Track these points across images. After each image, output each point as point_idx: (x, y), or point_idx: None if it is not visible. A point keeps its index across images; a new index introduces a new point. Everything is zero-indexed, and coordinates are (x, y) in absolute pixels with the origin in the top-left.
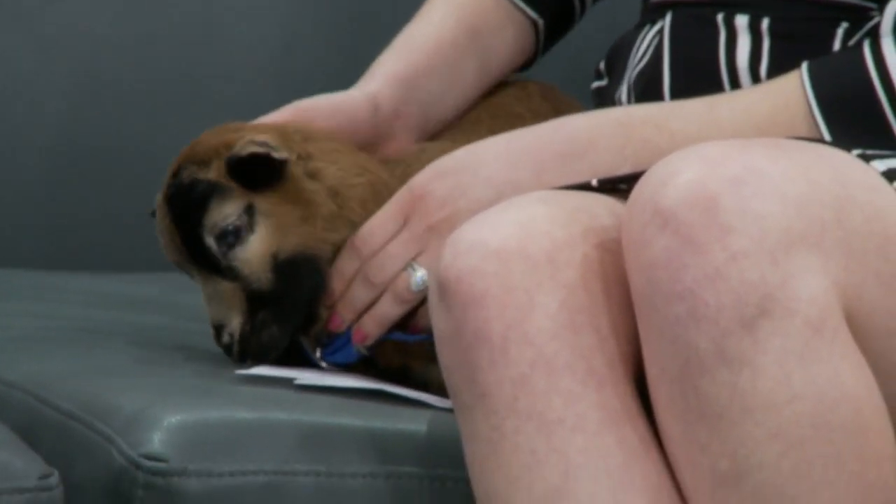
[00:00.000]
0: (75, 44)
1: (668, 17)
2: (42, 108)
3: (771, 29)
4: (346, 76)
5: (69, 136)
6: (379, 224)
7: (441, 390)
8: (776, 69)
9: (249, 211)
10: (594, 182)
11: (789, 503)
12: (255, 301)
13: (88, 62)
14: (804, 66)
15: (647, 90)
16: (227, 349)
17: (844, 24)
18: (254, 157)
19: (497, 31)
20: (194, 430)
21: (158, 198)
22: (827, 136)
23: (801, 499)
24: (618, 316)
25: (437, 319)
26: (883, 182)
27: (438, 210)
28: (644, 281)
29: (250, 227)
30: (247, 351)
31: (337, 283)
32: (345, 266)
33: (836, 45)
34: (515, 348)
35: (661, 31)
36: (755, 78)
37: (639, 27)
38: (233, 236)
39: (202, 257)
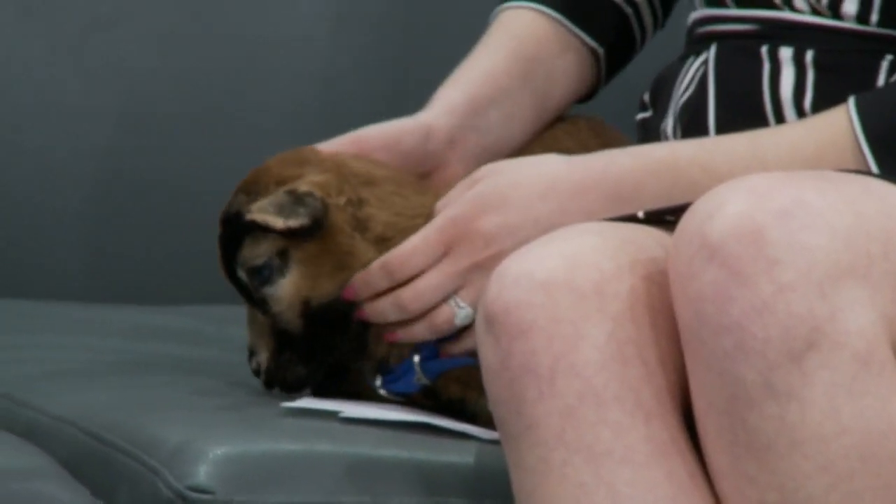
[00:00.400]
0: (119, 76)
1: (713, 49)
2: (86, 139)
3: (815, 61)
4: (387, 107)
5: (113, 169)
6: (418, 250)
7: (489, 423)
8: (820, 102)
9: (283, 255)
10: (641, 214)
11: None
12: (283, 339)
13: (132, 94)
14: (851, 100)
15: (692, 122)
16: (256, 374)
17: (889, 57)
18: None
19: (555, 60)
20: (240, 462)
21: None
22: (874, 170)
23: None
24: (665, 348)
25: (485, 351)
26: None
27: (485, 248)
28: (691, 314)
29: (281, 270)
30: (271, 383)
31: (362, 291)
32: (374, 282)
33: (881, 78)
34: (563, 380)
35: (705, 63)
36: (799, 110)
37: (683, 59)
38: (266, 273)
39: (240, 285)
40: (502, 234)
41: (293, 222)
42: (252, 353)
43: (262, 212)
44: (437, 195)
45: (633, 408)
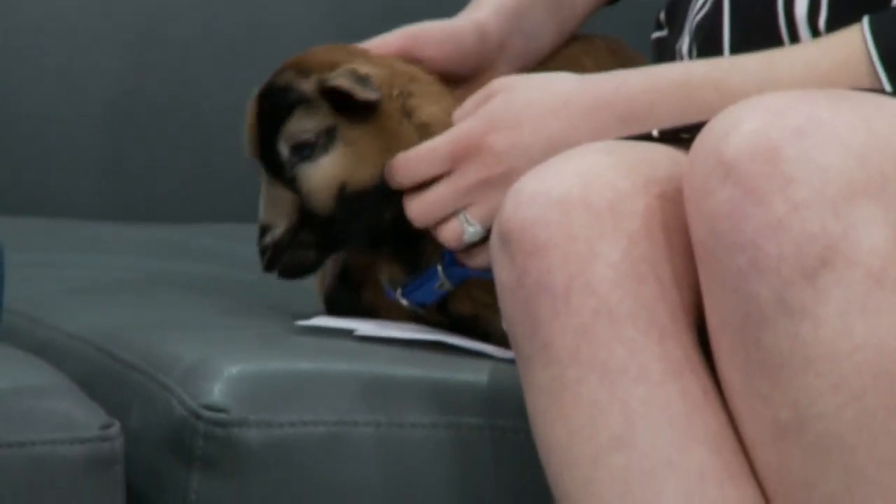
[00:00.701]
0: None
1: None
2: (101, 61)
3: None
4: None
5: (127, 90)
6: (425, 157)
7: (503, 341)
8: (835, 21)
9: (330, 133)
10: (655, 133)
11: (850, 453)
12: (307, 218)
13: (150, 14)
14: (865, 19)
15: (706, 41)
16: (263, 252)
17: None
18: (336, 87)
19: None
20: (254, 380)
21: (254, 91)
22: (888, 89)
23: (861, 449)
24: (680, 266)
25: (499, 270)
26: None
27: (496, 165)
28: (706, 231)
29: (325, 148)
30: (274, 262)
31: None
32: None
33: None
34: (578, 298)
35: None
36: (813, 30)
37: None
38: (307, 151)
39: (272, 160)
40: (514, 151)
41: (371, 94)
42: (265, 230)
43: (345, 78)
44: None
45: (647, 325)
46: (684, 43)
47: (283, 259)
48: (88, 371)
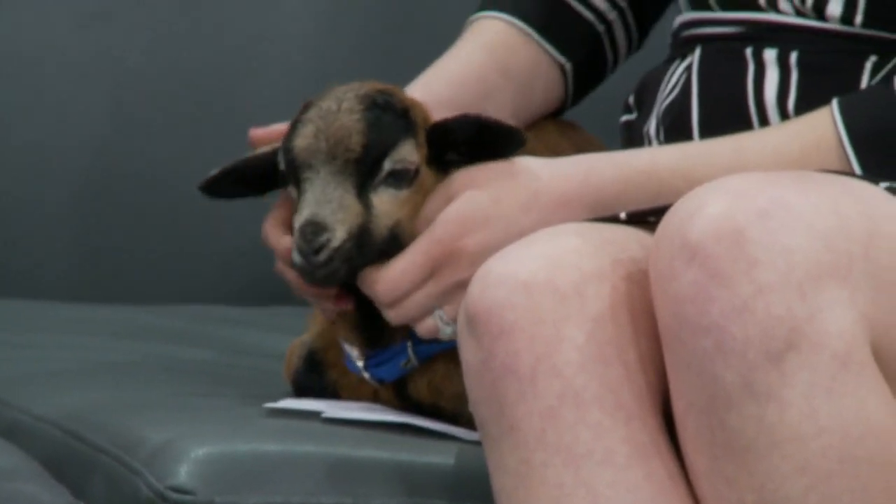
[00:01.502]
0: (110, 71)
1: (698, 52)
2: (76, 136)
3: (799, 62)
4: None
5: (103, 166)
6: (405, 274)
7: (470, 424)
8: (804, 103)
9: (416, 173)
10: (623, 215)
11: None
12: (364, 236)
13: (123, 90)
14: (834, 102)
15: (675, 124)
16: (317, 247)
17: (873, 58)
18: (446, 135)
19: (526, 72)
20: (221, 462)
21: (341, 94)
22: (858, 172)
23: None
24: (646, 349)
25: (466, 352)
26: None
27: (471, 266)
28: (671, 314)
29: (410, 183)
30: (328, 264)
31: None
32: (367, 291)
33: (865, 79)
34: (544, 381)
35: (689, 66)
36: (783, 112)
37: (668, 62)
38: (399, 179)
39: (366, 169)
40: (488, 252)
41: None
42: (321, 228)
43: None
44: None
45: (613, 409)
46: (651, 126)
47: (333, 264)
48: (55, 453)
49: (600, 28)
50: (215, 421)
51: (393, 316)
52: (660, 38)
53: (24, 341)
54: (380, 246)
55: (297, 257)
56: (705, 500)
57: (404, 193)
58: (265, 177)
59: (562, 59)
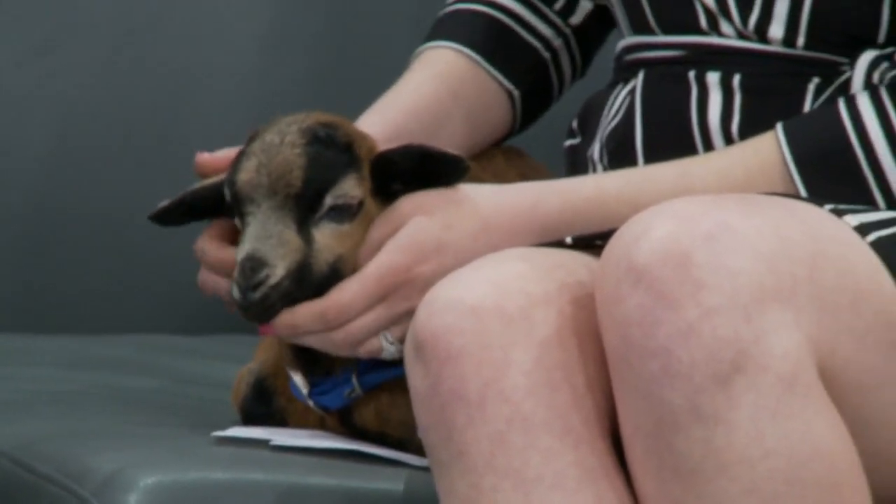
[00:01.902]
0: (50, 105)
1: (641, 76)
2: (14, 169)
3: (742, 85)
4: None
5: (41, 198)
6: (357, 299)
7: (419, 451)
8: (747, 126)
9: (360, 206)
10: (568, 240)
11: None
12: (302, 272)
13: (62, 125)
14: (779, 126)
15: (619, 149)
16: (254, 284)
17: (816, 80)
18: (389, 166)
19: (475, 100)
20: (170, 491)
21: (284, 127)
22: (804, 194)
23: None
24: (593, 372)
25: (413, 377)
26: (855, 236)
27: (422, 293)
28: (618, 338)
29: (352, 217)
30: (266, 301)
31: (288, 333)
32: (306, 326)
33: (808, 101)
34: (492, 406)
35: (633, 90)
36: (727, 135)
37: (612, 86)
38: (341, 213)
39: (306, 204)
40: (438, 277)
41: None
42: (261, 265)
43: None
44: None
45: (561, 433)
46: (595, 150)
47: (271, 299)
48: (4, 483)
49: (546, 55)
50: (164, 449)
51: (340, 340)
52: (603, 61)
53: None
54: (319, 281)
55: (235, 292)
56: None
57: (346, 227)
58: (213, 206)
59: (510, 86)
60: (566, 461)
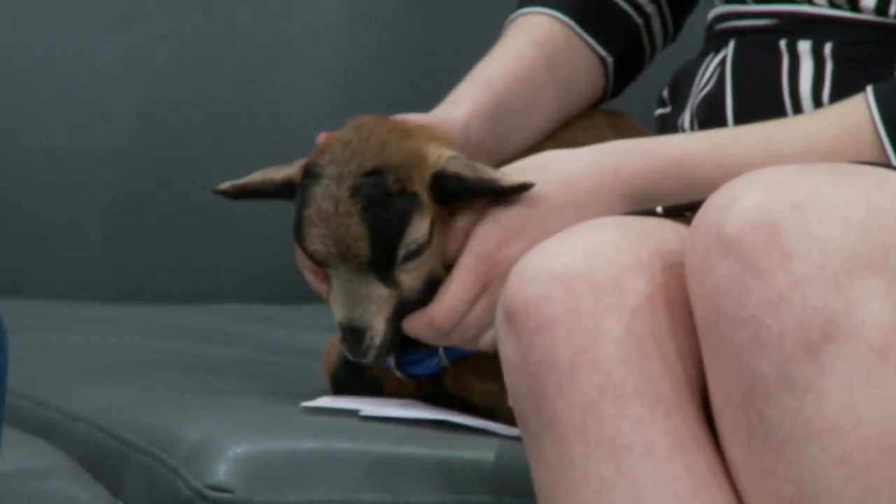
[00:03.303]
0: (138, 75)
1: (731, 45)
2: (106, 139)
3: (834, 53)
4: (404, 102)
5: (134, 168)
6: (458, 298)
7: (509, 420)
8: (838, 94)
9: (431, 228)
10: (659, 209)
11: None
12: (400, 310)
13: (151, 93)
14: (869, 89)
15: (710, 117)
16: (363, 351)
17: None
18: (454, 176)
19: (570, 66)
20: (259, 460)
21: (334, 188)
22: (893, 160)
23: None
24: (684, 340)
25: (505, 347)
26: None
27: None
28: (707, 307)
29: (429, 243)
30: (382, 356)
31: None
32: (420, 335)
33: None
34: (583, 374)
35: (724, 59)
36: (817, 103)
37: (702, 55)
38: (418, 251)
39: (382, 264)
40: None
41: (478, 174)
42: (363, 331)
43: (464, 164)
44: None
45: (652, 401)
46: (686, 119)
47: (384, 350)
48: (92, 452)
49: (639, 21)
50: (252, 419)
51: (456, 340)
52: (693, 31)
53: (57, 341)
54: (423, 296)
55: (347, 354)
56: (744, 492)
57: (425, 255)
58: (283, 195)
59: (603, 53)
60: (657, 430)
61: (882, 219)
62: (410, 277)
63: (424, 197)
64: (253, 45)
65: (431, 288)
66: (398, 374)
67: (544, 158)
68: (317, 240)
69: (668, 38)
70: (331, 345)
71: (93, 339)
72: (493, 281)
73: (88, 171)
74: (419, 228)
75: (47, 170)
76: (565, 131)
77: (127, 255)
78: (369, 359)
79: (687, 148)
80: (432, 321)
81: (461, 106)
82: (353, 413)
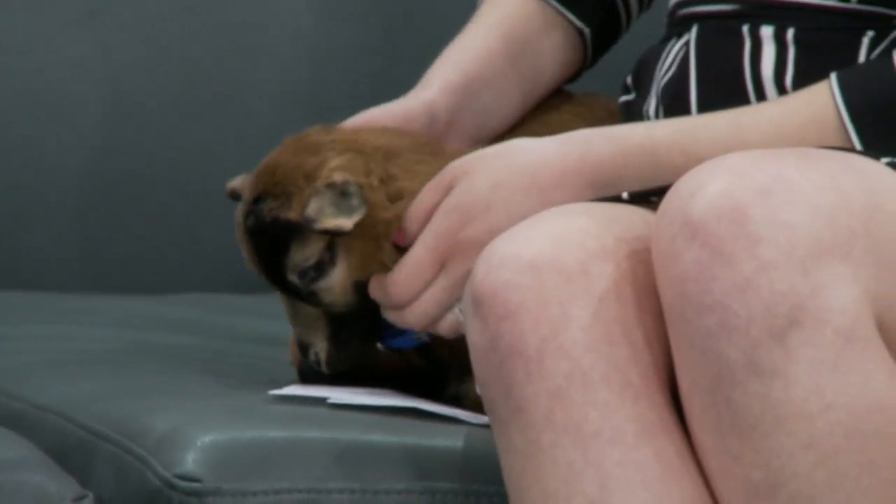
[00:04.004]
0: (106, 65)
1: (694, 30)
2: (75, 129)
3: (796, 39)
4: (374, 91)
5: (102, 158)
6: (415, 273)
7: (476, 406)
8: (801, 79)
9: (330, 248)
10: (625, 195)
11: None
12: (337, 322)
13: (120, 83)
14: (833, 76)
15: (674, 103)
16: (315, 363)
17: (870, 33)
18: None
19: (544, 40)
20: (228, 449)
21: (237, 216)
22: (858, 146)
23: None
24: (651, 327)
25: (472, 333)
26: None
27: (478, 255)
28: (674, 293)
29: (332, 260)
30: (334, 369)
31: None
32: (381, 300)
33: (862, 54)
34: (551, 361)
35: (686, 44)
36: (780, 88)
37: (665, 41)
38: (314, 272)
39: (285, 285)
40: (492, 237)
41: (357, 216)
42: (306, 347)
43: (330, 217)
44: (450, 156)
45: (620, 388)
46: (651, 105)
47: (339, 364)
48: (61, 443)
49: None
50: (221, 408)
51: (411, 318)
52: (656, 16)
53: (26, 332)
54: (360, 305)
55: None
56: (713, 477)
57: (338, 267)
58: None
59: (580, 24)
60: (625, 416)
61: (848, 204)
62: (330, 294)
63: (305, 226)
64: (220, 37)
65: (363, 295)
66: (380, 347)
67: (510, 145)
68: (247, 263)
69: (644, 6)
70: None
71: (61, 330)
72: (452, 260)
73: (57, 163)
74: (301, 252)
75: (15, 161)
76: (558, 116)
77: (95, 247)
78: (325, 370)
79: (653, 135)
80: (385, 290)
81: (429, 87)
82: (321, 401)
